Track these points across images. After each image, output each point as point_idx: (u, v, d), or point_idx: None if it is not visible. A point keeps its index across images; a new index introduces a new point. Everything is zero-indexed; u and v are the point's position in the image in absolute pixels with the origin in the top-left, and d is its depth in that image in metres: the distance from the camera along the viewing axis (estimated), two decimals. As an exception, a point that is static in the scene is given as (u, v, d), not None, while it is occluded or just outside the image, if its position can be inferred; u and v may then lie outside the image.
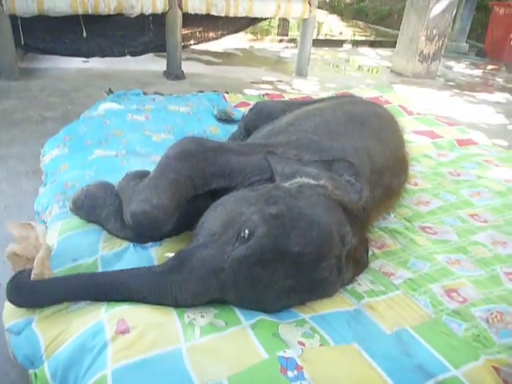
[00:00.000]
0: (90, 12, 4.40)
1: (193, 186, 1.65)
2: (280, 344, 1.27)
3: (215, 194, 1.64)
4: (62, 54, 4.97)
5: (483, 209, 2.16)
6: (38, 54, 5.08)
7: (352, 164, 1.66)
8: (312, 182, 1.51)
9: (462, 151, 2.86)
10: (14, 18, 4.18)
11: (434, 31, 6.10)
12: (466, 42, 8.39)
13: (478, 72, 7.12)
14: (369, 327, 1.39)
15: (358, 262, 1.57)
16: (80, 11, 4.35)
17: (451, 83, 6.24)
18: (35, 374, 1.26)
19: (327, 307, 1.44)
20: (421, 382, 1.21)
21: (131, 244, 1.65)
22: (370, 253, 1.73)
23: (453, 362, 1.28)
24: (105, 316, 1.30)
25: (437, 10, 5.97)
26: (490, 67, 7.53)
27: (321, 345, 1.29)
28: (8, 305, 1.39)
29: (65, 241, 1.67)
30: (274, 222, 1.31)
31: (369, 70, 6.67)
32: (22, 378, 1.49)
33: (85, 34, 4.66)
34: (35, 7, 4.13)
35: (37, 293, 1.33)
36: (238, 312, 1.37)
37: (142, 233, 1.62)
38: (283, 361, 1.21)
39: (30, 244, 1.50)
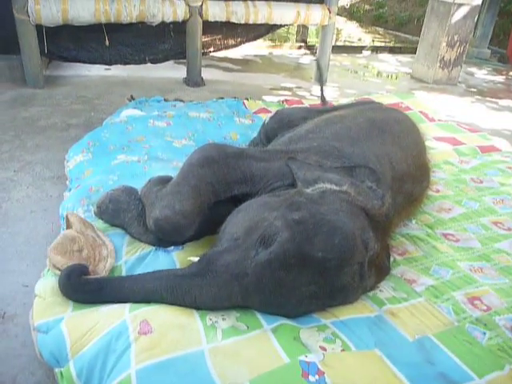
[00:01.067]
0: (112, 21, 4.48)
1: (214, 192, 1.67)
2: (301, 348, 1.27)
3: (237, 200, 1.65)
4: (85, 62, 5.07)
5: (507, 216, 2.13)
6: (61, 62, 5.20)
7: (373, 170, 1.66)
8: (334, 187, 1.52)
9: (485, 158, 2.83)
10: (38, 26, 4.29)
11: (456, 37, 6.03)
12: (488, 47, 8.26)
13: (500, 78, 7.01)
14: (391, 334, 1.38)
15: (380, 268, 1.56)
16: (103, 20, 4.44)
17: (473, 89, 6.17)
18: (61, 373, 1.29)
19: (348, 313, 1.44)
20: (444, 390, 1.20)
21: (154, 248, 1.68)
22: (392, 259, 1.73)
23: (476, 371, 1.27)
24: (128, 316, 1.32)
25: (458, 15, 5.91)
26: (512, 73, 7.43)
27: (342, 350, 1.29)
28: (37, 304, 1.43)
29: (89, 244, 1.70)
30: (297, 228, 1.32)
31: (388, 76, 6.63)
32: (48, 377, 1.52)
33: (107, 43, 4.75)
34: (60, 17, 4.23)
35: (90, 292, 1.39)
36: (259, 316, 1.38)
37: (165, 238, 1.64)
38: (305, 365, 1.21)
39: (88, 238, 1.59)
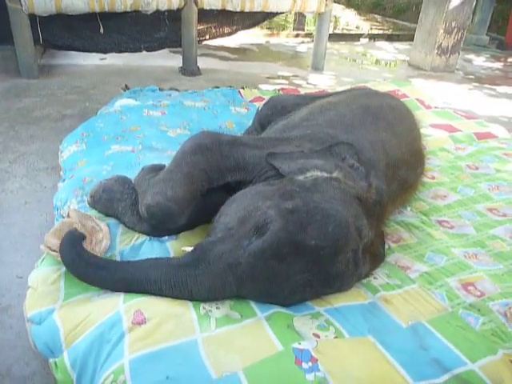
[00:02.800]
0: (106, 10, 4.44)
1: (207, 180, 1.67)
2: (295, 336, 1.27)
3: (231, 188, 1.65)
4: (79, 50, 5.05)
5: (502, 203, 2.13)
6: (56, 51, 5.17)
7: (351, 145, 1.67)
8: (325, 174, 1.51)
9: (481, 145, 2.81)
10: (32, 15, 4.25)
11: (453, 24, 5.98)
12: (487, 34, 8.21)
13: (498, 65, 6.98)
14: (384, 320, 1.38)
15: (374, 255, 1.56)
16: (97, 9, 4.40)
17: (471, 76, 6.13)
18: (55, 364, 1.29)
19: (342, 300, 1.44)
20: (437, 376, 1.21)
21: (148, 238, 1.67)
22: (386, 246, 1.73)
23: (469, 356, 1.27)
24: (122, 307, 1.32)
25: (456, 1, 5.85)
26: (510, 60, 7.37)
27: (336, 337, 1.30)
28: (30, 295, 1.43)
29: (83, 234, 1.69)
30: (291, 217, 1.32)
31: (386, 63, 6.59)
32: (43, 367, 1.53)
33: (102, 31, 4.72)
34: (53, 6, 4.19)
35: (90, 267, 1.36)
36: (253, 304, 1.38)
37: (157, 225, 1.64)
38: (298, 352, 1.21)
39: (86, 226, 1.60)
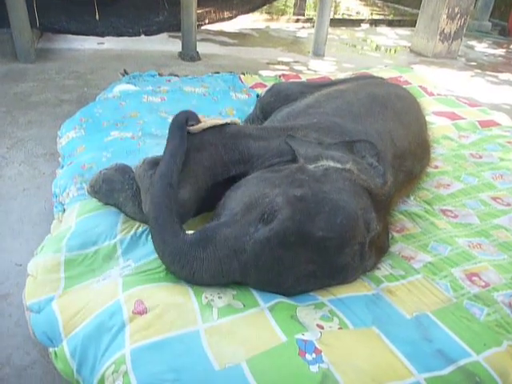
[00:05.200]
0: (104, -7, 4.37)
1: (212, 175, 1.62)
2: (298, 327, 1.26)
3: (234, 178, 1.61)
4: (77, 34, 4.95)
5: (506, 191, 2.10)
6: (53, 35, 5.08)
7: (373, 145, 1.62)
8: (338, 165, 1.47)
9: (484, 133, 2.78)
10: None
11: (456, 9, 5.89)
12: (489, 20, 8.10)
13: (500, 51, 6.90)
14: (388, 311, 1.37)
15: (380, 248, 1.54)
16: (94, -9, 4.32)
17: (473, 63, 6.07)
18: (55, 353, 1.28)
19: (346, 291, 1.42)
20: (441, 367, 1.20)
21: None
22: (390, 236, 1.71)
23: (474, 348, 1.26)
24: (122, 296, 1.30)
25: (459, -14, 5.77)
26: (513, 46, 7.30)
27: (340, 328, 1.28)
28: (29, 283, 1.41)
29: (83, 222, 1.68)
30: (299, 205, 1.29)
31: (387, 49, 6.51)
32: (42, 356, 1.51)
33: (97, 17, 4.64)
34: (49, -12, 4.12)
35: None
36: (255, 294, 1.36)
37: None
38: (301, 344, 1.20)
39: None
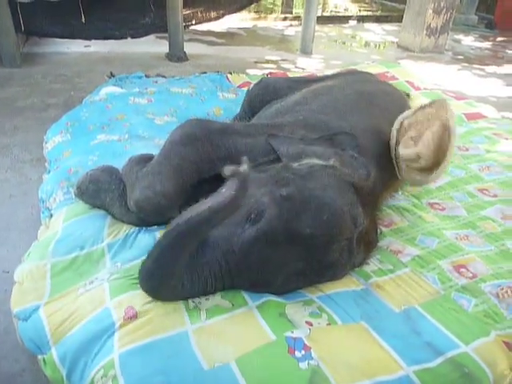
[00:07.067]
0: (89, -5, 4.35)
1: (198, 171, 1.62)
2: (287, 324, 1.26)
3: (222, 177, 1.61)
4: (63, 37, 4.93)
5: (493, 183, 2.12)
6: (39, 39, 5.04)
7: (354, 136, 1.63)
8: (322, 162, 1.48)
9: (471, 125, 2.80)
10: (12, 2, 4.13)
11: (442, 3, 5.92)
12: (476, 13, 8.14)
13: (487, 44, 6.94)
14: (377, 306, 1.37)
15: (368, 243, 1.54)
16: (79, -5, 4.30)
17: (460, 57, 6.10)
18: (44, 360, 1.27)
19: (334, 287, 1.42)
20: (430, 360, 1.21)
21: (136, 229, 1.64)
22: (379, 231, 1.71)
23: (462, 339, 1.27)
24: (110, 303, 1.29)
25: (444, -19, 5.80)
26: (499, 39, 7.34)
27: (328, 324, 1.29)
28: (16, 290, 1.40)
29: (70, 227, 1.66)
30: (285, 204, 1.29)
31: (375, 45, 6.53)
32: (32, 364, 1.49)
33: (83, 20, 4.62)
34: (33, -8, 4.08)
35: None
36: (244, 293, 1.36)
37: (146, 218, 1.60)
38: (291, 341, 1.20)
39: None
